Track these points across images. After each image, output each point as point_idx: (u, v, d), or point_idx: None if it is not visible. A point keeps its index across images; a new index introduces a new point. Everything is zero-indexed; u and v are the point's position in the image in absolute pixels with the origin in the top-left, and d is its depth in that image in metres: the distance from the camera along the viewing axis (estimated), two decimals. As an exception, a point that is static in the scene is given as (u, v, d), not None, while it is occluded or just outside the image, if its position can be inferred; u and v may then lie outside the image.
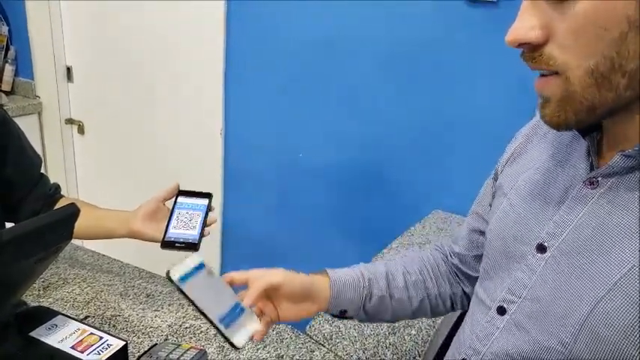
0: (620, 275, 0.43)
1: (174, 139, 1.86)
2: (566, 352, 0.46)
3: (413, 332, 0.92)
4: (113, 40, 1.85)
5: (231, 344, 0.58)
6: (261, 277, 0.62)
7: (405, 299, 0.71)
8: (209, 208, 0.87)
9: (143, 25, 1.75)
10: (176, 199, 0.88)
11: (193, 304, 0.57)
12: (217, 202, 1.85)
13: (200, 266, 0.60)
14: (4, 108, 1.83)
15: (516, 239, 0.55)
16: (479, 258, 0.69)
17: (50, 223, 0.65)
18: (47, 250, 0.69)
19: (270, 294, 0.63)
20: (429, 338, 0.92)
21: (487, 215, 0.67)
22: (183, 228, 0.84)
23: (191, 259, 0.60)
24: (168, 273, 0.56)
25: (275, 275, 0.62)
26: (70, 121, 2.07)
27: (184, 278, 0.57)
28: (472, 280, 0.72)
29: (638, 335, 0.41)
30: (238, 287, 0.64)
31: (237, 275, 0.63)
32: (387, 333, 0.91)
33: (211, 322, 0.57)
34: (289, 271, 0.64)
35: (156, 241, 0.84)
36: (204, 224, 0.85)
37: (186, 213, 0.86)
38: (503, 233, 0.57)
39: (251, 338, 0.60)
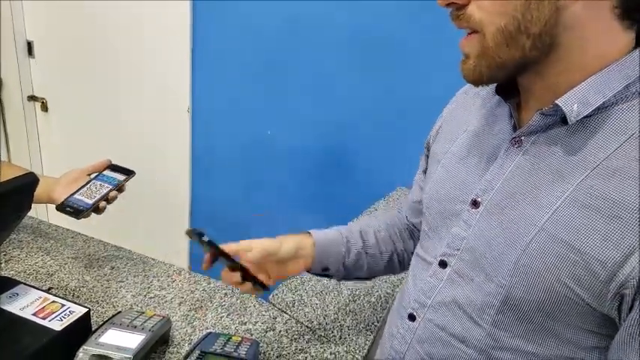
0: (545, 218, 0.48)
1: (140, 118, 1.84)
2: (503, 292, 0.51)
3: (372, 300, 0.97)
4: (76, 14, 1.80)
5: (262, 285, 0.67)
6: (257, 245, 0.67)
7: (378, 254, 0.78)
8: (119, 184, 0.91)
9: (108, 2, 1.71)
10: (103, 171, 0.93)
11: (224, 254, 0.64)
12: (185, 179, 1.85)
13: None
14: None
15: (452, 199, 0.59)
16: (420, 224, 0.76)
17: (9, 192, 0.65)
18: (6, 219, 0.69)
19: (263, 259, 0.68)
20: (388, 305, 0.96)
21: (424, 184, 0.73)
22: (85, 196, 0.88)
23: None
24: (199, 233, 0.62)
25: (268, 243, 0.68)
26: (32, 98, 2.01)
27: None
28: None
29: (564, 272, 0.46)
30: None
31: (227, 247, 0.67)
32: (347, 300, 0.95)
33: (242, 267, 0.65)
34: (279, 237, 0.70)
35: None
36: (105, 197, 0.89)
37: (99, 184, 0.91)
38: (439, 195, 0.62)
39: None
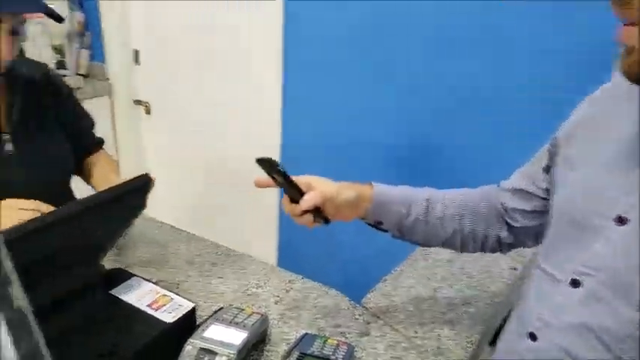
0: None
1: (235, 118, 1.92)
2: None
3: (471, 310, 0.91)
4: (177, 23, 1.92)
5: (325, 218, 0.71)
6: (317, 185, 0.70)
7: (439, 227, 0.76)
8: None
9: (206, 11, 1.80)
10: None
11: (294, 186, 0.68)
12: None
13: None
14: (79, 90, 1.96)
15: (590, 211, 0.53)
16: (516, 211, 0.72)
17: (126, 192, 0.70)
18: (124, 218, 0.74)
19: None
20: (486, 317, 0.91)
21: (537, 179, 0.68)
22: None
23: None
24: (274, 162, 0.65)
25: (327, 188, 0.71)
26: (137, 102, 2.18)
27: None
28: (510, 229, 0.75)
29: None
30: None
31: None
32: (444, 310, 0.91)
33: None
34: (340, 184, 0.74)
35: None
36: None
37: None
38: (574, 204, 0.56)
39: None
